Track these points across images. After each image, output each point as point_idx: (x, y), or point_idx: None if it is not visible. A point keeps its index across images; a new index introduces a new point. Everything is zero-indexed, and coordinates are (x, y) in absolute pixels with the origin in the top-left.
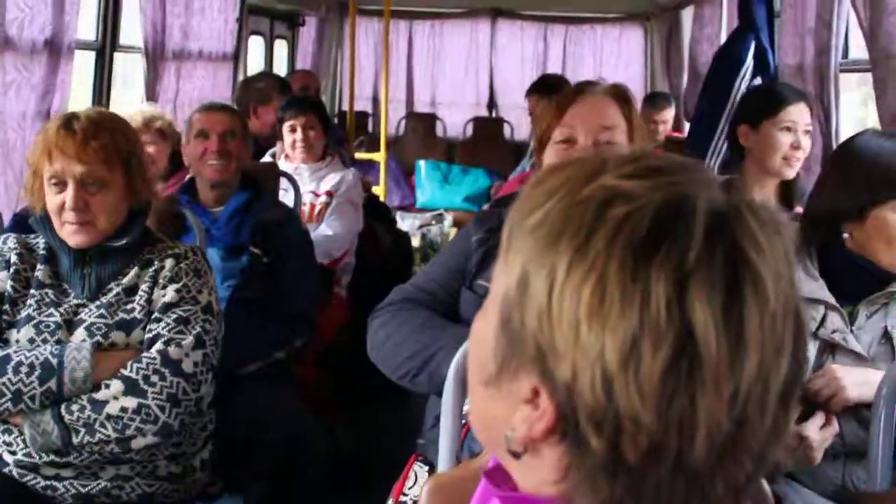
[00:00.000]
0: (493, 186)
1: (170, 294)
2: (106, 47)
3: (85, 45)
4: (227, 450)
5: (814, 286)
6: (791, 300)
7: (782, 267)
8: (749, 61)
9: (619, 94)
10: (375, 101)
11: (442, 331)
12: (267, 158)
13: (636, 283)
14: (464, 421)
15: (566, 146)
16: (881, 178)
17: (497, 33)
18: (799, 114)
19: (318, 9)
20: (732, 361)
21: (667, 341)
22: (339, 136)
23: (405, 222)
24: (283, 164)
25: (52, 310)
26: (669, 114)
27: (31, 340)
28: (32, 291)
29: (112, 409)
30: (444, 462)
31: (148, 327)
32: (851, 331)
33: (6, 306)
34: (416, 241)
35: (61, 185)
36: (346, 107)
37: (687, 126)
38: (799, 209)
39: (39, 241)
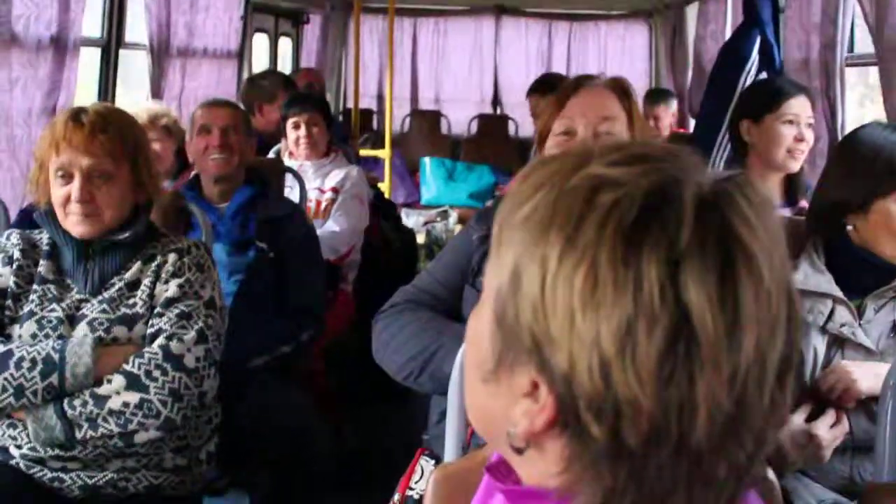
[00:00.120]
0: (497, 186)
1: (172, 289)
2: (111, 44)
3: (90, 42)
4: (233, 443)
5: (821, 280)
6: (783, 278)
7: (774, 245)
8: (754, 57)
9: (619, 87)
10: (380, 98)
11: (442, 330)
12: (271, 156)
13: (628, 268)
14: None
15: (566, 138)
16: (884, 169)
17: (501, 30)
18: (801, 106)
19: (322, 6)
20: (730, 340)
21: (662, 324)
22: (343, 132)
23: (410, 219)
24: (287, 162)
25: (54, 305)
26: (667, 109)
27: (34, 336)
28: (35, 287)
29: (114, 403)
30: (450, 456)
31: (150, 322)
32: (860, 324)
33: (9, 302)
34: (420, 238)
35: (68, 177)
36: (350, 104)
37: (692, 122)
38: (804, 203)
39: (43, 237)
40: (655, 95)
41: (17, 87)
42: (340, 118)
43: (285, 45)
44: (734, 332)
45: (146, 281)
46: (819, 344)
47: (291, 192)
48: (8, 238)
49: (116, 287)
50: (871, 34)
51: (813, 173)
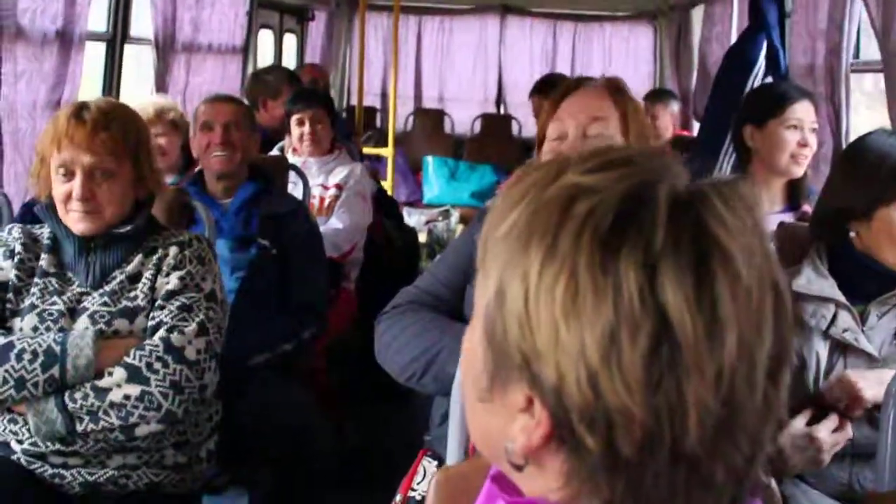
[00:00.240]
0: (499, 185)
1: (173, 281)
2: (117, 38)
3: (96, 37)
4: (233, 441)
5: (824, 284)
6: (767, 274)
7: (754, 242)
8: (761, 61)
9: (612, 86)
10: (384, 96)
11: (444, 331)
12: (275, 152)
13: (607, 275)
14: None
15: (559, 142)
16: (889, 176)
17: (506, 30)
18: (804, 111)
19: (327, 3)
20: (711, 341)
21: (644, 329)
22: (347, 129)
23: (412, 218)
24: (291, 158)
25: (55, 298)
26: (665, 109)
27: (35, 329)
28: (36, 280)
29: (115, 396)
30: (452, 457)
31: (151, 315)
32: (863, 331)
33: (10, 295)
34: (422, 237)
35: (69, 174)
36: (354, 101)
37: (696, 125)
38: (807, 207)
39: (44, 231)
40: (654, 95)
41: (21, 80)
42: (344, 115)
43: (290, 41)
44: (714, 332)
45: (147, 274)
46: (821, 349)
47: (295, 189)
48: (9, 232)
49: (118, 280)
50: (878, 40)
51: (816, 178)
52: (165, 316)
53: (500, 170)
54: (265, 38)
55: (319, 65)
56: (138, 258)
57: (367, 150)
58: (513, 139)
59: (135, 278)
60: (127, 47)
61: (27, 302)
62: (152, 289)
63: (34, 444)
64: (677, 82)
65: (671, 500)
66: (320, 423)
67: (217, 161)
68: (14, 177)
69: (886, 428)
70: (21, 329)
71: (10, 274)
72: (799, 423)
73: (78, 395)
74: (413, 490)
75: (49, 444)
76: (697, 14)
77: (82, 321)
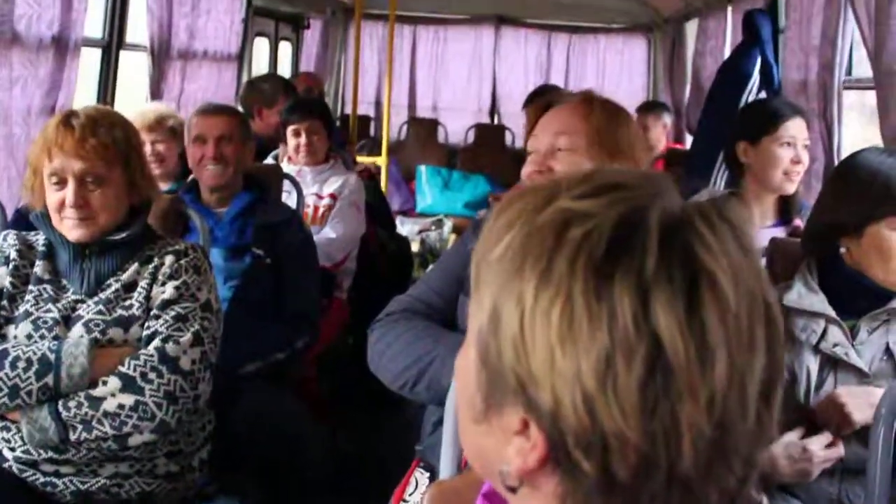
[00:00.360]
0: (492, 195)
1: (168, 291)
2: (112, 45)
3: (91, 43)
4: (226, 450)
5: (814, 299)
6: (757, 298)
7: (742, 263)
8: (755, 76)
9: (586, 100)
10: (378, 105)
11: (438, 340)
12: (269, 160)
13: (601, 301)
14: None
15: (535, 156)
16: (879, 193)
17: (501, 41)
18: (797, 128)
19: (323, 11)
20: (702, 366)
21: (639, 355)
22: (342, 138)
23: (405, 227)
24: (285, 167)
25: (49, 305)
26: (656, 120)
27: (29, 336)
28: (31, 287)
29: (109, 405)
30: (445, 470)
31: (146, 324)
32: (853, 346)
33: (4, 302)
34: (415, 247)
35: (61, 182)
36: (348, 110)
37: (689, 138)
38: (798, 222)
39: (39, 238)
40: (646, 107)
41: (17, 85)
42: (338, 123)
43: (285, 49)
44: (705, 357)
45: (143, 283)
46: (812, 364)
47: (289, 198)
48: (5, 239)
49: (113, 288)
50: (870, 58)
51: (808, 194)
52: (160, 325)
53: (494, 180)
54: (260, 45)
55: (314, 73)
56: (134, 267)
57: (360, 160)
58: (506, 149)
59: (130, 287)
60: (130, 55)
61: (21, 309)
62: (147, 298)
63: (26, 451)
64: (671, 95)
65: None
66: (312, 432)
67: (209, 175)
68: (7, 182)
69: (876, 445)
70: (15, 336)
71: (5, 281)
72: (794, 434)
73: (72, 404)
74: (405, 501)
75: (41, 452)
76: (691, 28)
77: (77, 329)
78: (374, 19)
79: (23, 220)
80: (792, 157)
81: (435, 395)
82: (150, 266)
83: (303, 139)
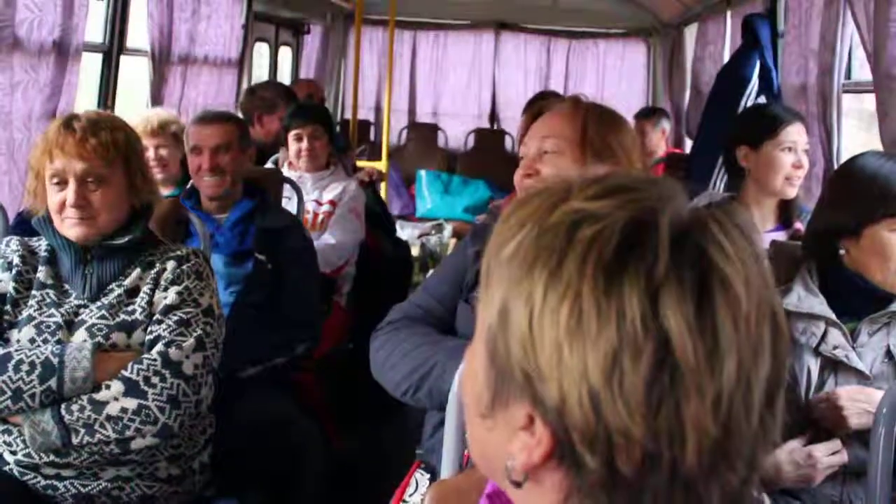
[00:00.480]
0: (491, 202)
1: (171, 296)
2: (113, 50)
3: (92, 48)
4: (226, 454)
5: (814, 302)
6: (765, 301)
7: (752, 269)
8: (755, 80)
9: (575, 104)
10: (378, 110)
11: (437, 346)
12: (269, 165)
13: (610, 299)
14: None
15: (523, 160)
16: (877, 195)
17: (500, 46)
18: (798, 133)
19: (323, 17)
20: (711, 366)
21: (646, 353)
22: (343, 144)
23: (405, 231)
24: (286, 172)
25: (52, 310)
26: (653, 126)
27: (32, 340)
28: (34, 292)
29: (112, 409)
30: (446, 469)
31: (149, 329)
32: (853, 348)
33: (7, 307)
34: (415, 251)
35: (62, 183)
36: (348, 115)
37: (688, 142)
38: (799, 226)
39: (41, 244)
40: (643, 113)
41: (17, 90)
42: (338, 128)
43: (286, 54)
44: (714, 358)
45: (145, 288)
46: (812, 366)
47: (289, 203)
48: (7, 244)
49: (115, 293)
50: (869, 62)
51: (808, 198)
52: (163, 330)
53: (493, 185)
54: (261, 51)
55: (314, 79)
56: (136, 272)
57: (361, 164)
58: (506, 154)
59: (133, 292)
60: (131, 60)
61: (25, 314)
62: (150, 303)
63: (28, 455)
64: (670, 100)
65: None
66: (312, 435)
67: (206, 185)
68: (9, 187)
69: (877, 447)
70: (18, 341)
71: (9, 286)
72: (798, 440)
73: (75, 408)
74: (405, 502)
75: (43, 455)
76: (691, 32)
77: (80, 334)
78: (374, 24)
79: (25, 225)
80: (793, 161)
81: (437, 400)
82: (153, 271)
83: (304, 144)
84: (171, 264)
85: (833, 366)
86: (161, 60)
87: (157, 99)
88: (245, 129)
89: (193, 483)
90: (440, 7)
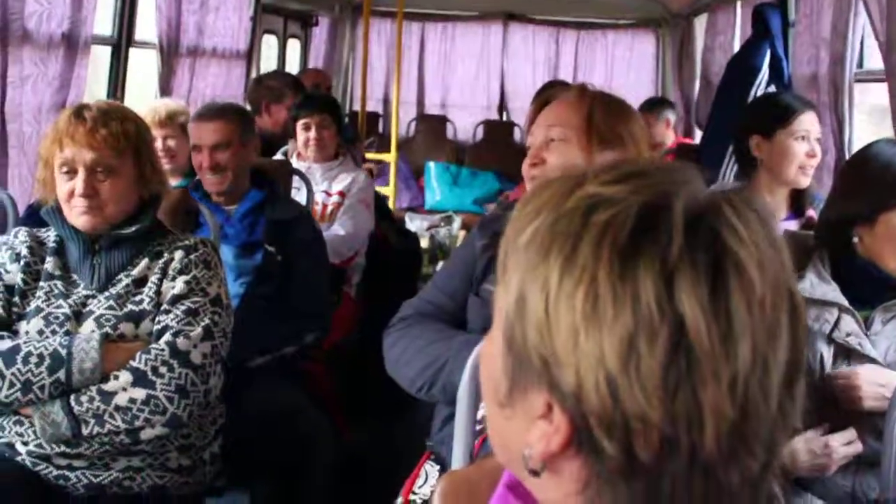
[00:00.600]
0: (500, 195)
1: (179, 285)
2: (122, 42)
3: (101, 40)
4: (236, 444)
5: (826, 289)
6: (782, 284)
7: (768, 253)
8: (765, 69)
9: (581, 92)
10: (386, 102)
11: (449, 342)
12: (278, 157)
13: (625, 283)
14: (479, 427)
15: (530, 150)
16: (892, 183)
17: (509, 37)
18: (811, 122)
19: (331, 9)
20: (726, 349)
21: (662, 337)
22: (351, 135)
23: (414, 223)
24: (295, 163)
25: (60, 301)
26: (657, 118)
27: (41, 332)
28: (41, 283)
29: (121, 400)
30: (457, 460)
31: (157, 319)
32: (867, 336)
33: (16, 298)
34: (424, 243)
35: (72, 172)
36: (356, 107)
37: (697, 133)
38: (811, 214)
39: (50, 234)
40: (647, 105)
41: (27, 83)
42: (346, 120)
43: (294, 46)
44: (729, 341)
45: (153, 278)
46: (826, 353)
47: (298, 194)
48: (16, 235)
49: (123, 283)
50: (881, 50)
51: (819, 187)
52: (171, 320)
53: (502, 176)
54: (269, 43)
55: (321, 69)
56: (144, 262)
57: (369, 156)
58: (515, 146)
59: (140, 282)
60: (140, 52)
61: (33, 305)
62: (158, 293)
63: (39, 445)
64: (680, 90)
65: None
66: (321, 426)
67: (208, 183)
68: (19, 178)
69: (891, 437)
70: (27, 332)
71: (17, 277)
72: (816, 430)
73: (84, 399)
74: (414, 493)
75: (54, 446)
76: (700, 23)
77: (88, 324)
78: (383, 16)
79: (35, 217)
80: (807, 150)
81: (450, 395)
82: (161, 261)
83: (312, 133)
84: (178, 254)
85: (846, 353)
86: (169, 53)
87: (165, 91)
88: (247, 121)
89: (204, 473)
90: None
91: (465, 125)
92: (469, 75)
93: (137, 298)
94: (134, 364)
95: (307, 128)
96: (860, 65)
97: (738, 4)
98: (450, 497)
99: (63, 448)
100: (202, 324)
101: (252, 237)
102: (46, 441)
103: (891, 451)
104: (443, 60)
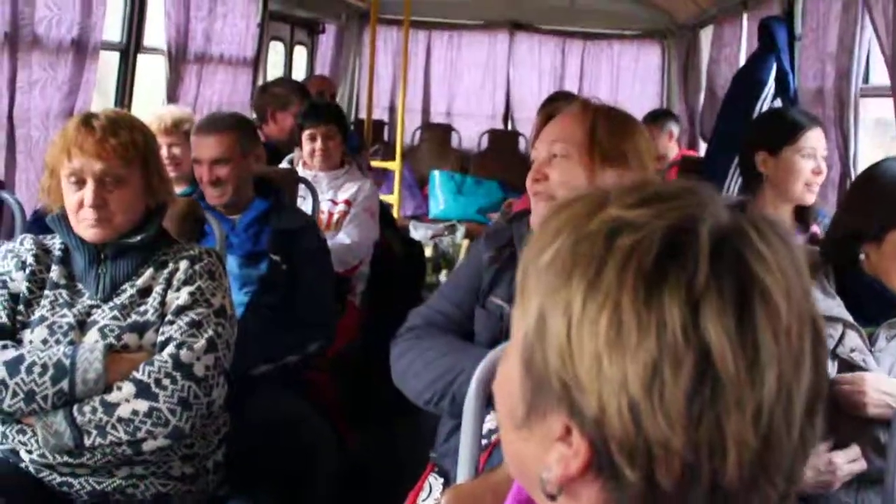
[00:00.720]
0: (504, 203)
1: (183, 296)
2: (130, 48)
3: (110, 46)
4: (240, 453)
5: (831, 304)
6: (806, 312)
7: (793, 280)
8: (771, 83)
9: (584, 107)
10: (392, 109)
11: (461, 356)
12: (284, 164)
13: (650, 310)
14: (485, 441)
15: (534, 164)
16: None
17: (515, 46)
18: (817, 139)
19: (338, 16)
20: (752, 378)
21: (687, 365)
22: (357, 143)
23: (418, 232)
24: (301, 171)
25: (65, 310)
26: (661, 131)
27: (44, 341)
28: (46, 292)
29: (123, 411)
30: (462, 474)
31: (161, 330)
32: (871, 352)
33: (21, 307)
34: (428, 252)
35: (80, 182)
36: (363, 115)
37: (702, 145)
38: (815, 228)
39: (55, 242)
40: (650, 117)
41: (36, 88)
42: (352, 128)
43: (300, 53)
44: (755, 370)
45: (158, 288)
46: (830, 369)
47: (304, 203)
48: (22, 243)
49: (128, 293)
50: (887, 65)
51: (824, 202)
52: (175, 331)
53: (507, 186)
54: (276, 49)
55: (327, 76)
56: (149, 272)
57: (374, 164)
58: (520, 155)
59: (145, 292)
60: (147, 58)
61: (37, 314)
62: (162, 303)
63: (42, 455)
64: (685, 102)
65: None
66: (324, 435)
67: (209, 196)
68: (26, 183)
69: (894, 454)
70: (31, 341)
71: (22, 286)
72: (822, 447)
73: (87, 409)
74: None
75: (57, 456)
76: (706, 34)
77: (92, 334)
78: (389, 24)
79: (41, 222)
80: (813, 167)
81: (460, 409)
82: (165, 271)
83: (318, 144)
84: (183, 264)
85: (850, 369)
86: (177, 59)
87: (172, 97)
88: (248, 132)
89: (207, 482)
90: (455, 7)
91: (470, 134)
92: (475, 84)
93: (142, 309)
94: (137, 375)
95: (313, 138)
96: (866, 80)
97: (745, 17)
98: None
99: (66, 458)
100: (206, 335)
101: (256, 246)
102: (49, 451)
103: (893, 467)
104: (449, 69)
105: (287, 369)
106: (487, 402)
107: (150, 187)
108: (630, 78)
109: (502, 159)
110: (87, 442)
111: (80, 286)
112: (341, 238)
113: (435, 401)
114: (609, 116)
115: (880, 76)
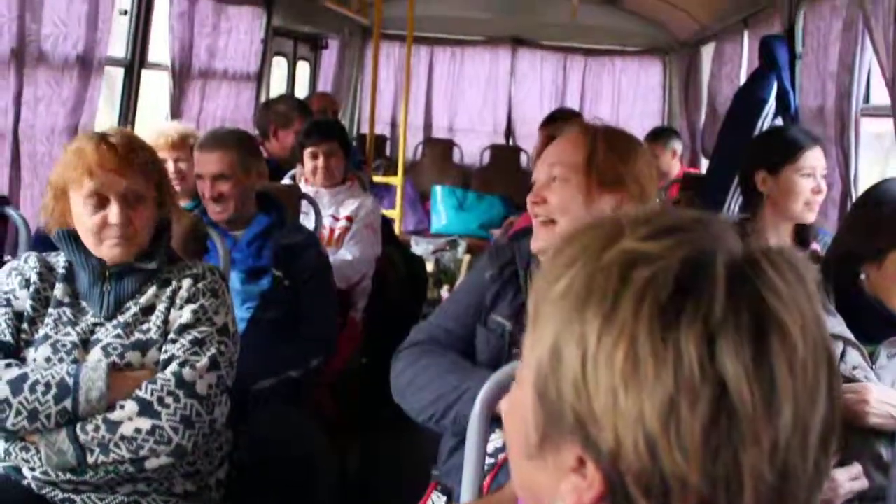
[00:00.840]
0: (505, 222)
1: (186, 315)
2: (135, 64)
3: (114, 62)
4: (240, 468)
5: (832, 322)
6: (820, 343)
7: (808, 313)
8: (772, 101)
9: (584, 130)
10: (394, 125)
11: (465, 373)
12: (286, 180)
13: (667, 344)
14: (492, 460)
15: (534, 187)
16: None
17: (517, 62)
18: (817, 158)
19: (341, 32)
20: (768, 413)
21: (704, 399)
22: (359, 159)
23: (419, 247)
24: (302, 187)
25: (68, 329)
26: (664, 148)
27: (48, 359)
28: (50, 310)
29: (126, 429)
30: (466, 494)
31: (163, 348)
32: (872, 370)
33: (24, 325)
34: (429, 267)
35: (102, 201)
36: (365, 130)
37: (704, 162)
38: (815, 246)
39: (59, 259)
40: (653, 135)
41: (41, 104)
42: (354, 143)
43: (303, 69)
44: (772, 404)
45: (161, 306)
46: None
47: (306, 219)
48: (26, 261)
49: (131, 312)
50: (887, 86)
51: (824, 220)
52: (178, 350)
53: (508, 201)
54: (279, 65)
55: (329, 93)
56: (152, 290)
57: (376, 179)
58: (521, 171)
59: (148, 310)
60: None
61: (41, 332)
62: (165, 322)
63: (45, 472)
64: (686, 119)
65: None
66: (326, 452)
67: (212, 212)
68: (31, 199)
69: None
70: (34, 360)
71: (26, 304)
72: None
73: (90, 428)
74: None
75: (60, 474)
76: (707, 52)
77: (95, 353)
78: (392, 40)
79: (45, 237)
80: (813, 186)
81: (461, 427)
82: (169, 289)
83: (320, 162)
84: (186, 282)
85: None
86: (181, 74)
87: (176, 113)
88: (250, 148)
89: (210, 499)
90: (457, 23)
91: (471, 149)
92: (476, 100)
93: (145, 327)
94: (140, 394)
95: (314, 156)
96: (866, 100)
97: (745, 35)
98: None
99: (69, 476)
100: (208, 354)
101: (259, 262)
102: (52, 469)
103: None
104: (451, 84)
105: (288, 384)
106: (492, 421)
107: (162, 204)
108: (631, 94)
109: (504, 174)
110: (90, 460)
111: (83, 304)
112: (343, 254)
113: (436, 419)
114: (609, 139)
115: (881, 96)
